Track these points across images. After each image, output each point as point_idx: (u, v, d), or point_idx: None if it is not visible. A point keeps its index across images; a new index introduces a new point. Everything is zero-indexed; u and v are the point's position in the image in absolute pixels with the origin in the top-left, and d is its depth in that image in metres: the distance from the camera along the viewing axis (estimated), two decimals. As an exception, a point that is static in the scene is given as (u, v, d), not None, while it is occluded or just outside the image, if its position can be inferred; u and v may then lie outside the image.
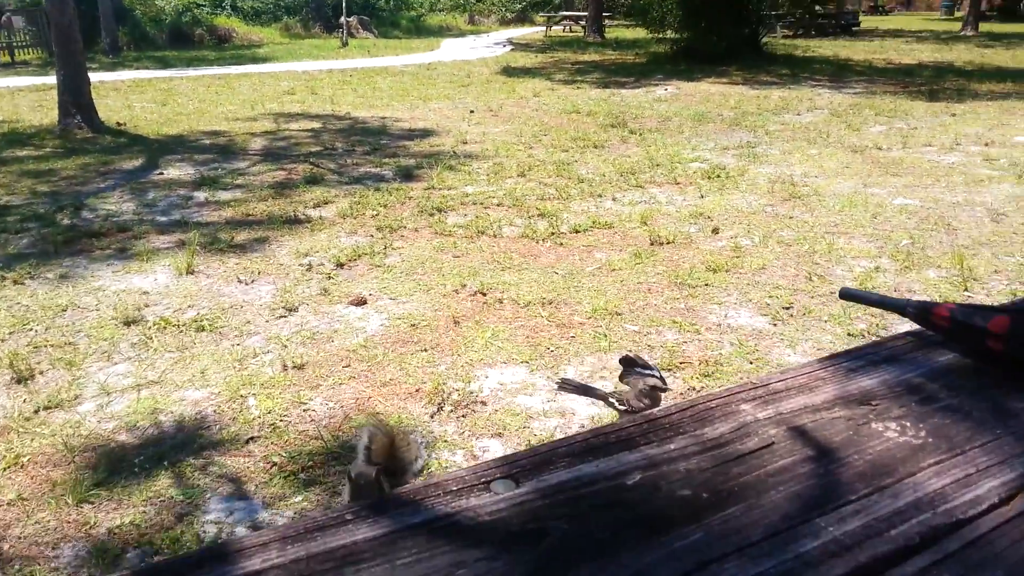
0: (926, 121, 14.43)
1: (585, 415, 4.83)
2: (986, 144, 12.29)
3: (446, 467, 4.36)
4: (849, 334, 5.81)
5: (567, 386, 2.39)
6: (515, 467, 1.49)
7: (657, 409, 1.72)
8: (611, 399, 2.31)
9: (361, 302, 6.67)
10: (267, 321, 6.39)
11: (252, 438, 4.70)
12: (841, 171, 10.81)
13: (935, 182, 10.11)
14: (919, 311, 1.86)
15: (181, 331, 6.18)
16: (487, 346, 5.79)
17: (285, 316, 6.46)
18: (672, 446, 1.48)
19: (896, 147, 12.25)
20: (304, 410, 5.02)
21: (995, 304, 2.02)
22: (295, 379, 5.41)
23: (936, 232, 8.07)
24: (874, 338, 5.73)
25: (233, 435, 4.75)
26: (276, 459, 4.47)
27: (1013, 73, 21.58)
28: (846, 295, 2.04)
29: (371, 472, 2.26)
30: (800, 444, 1.46)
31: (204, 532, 3.91)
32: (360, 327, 6.21)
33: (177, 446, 4.65)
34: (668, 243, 7.91)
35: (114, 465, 4.46)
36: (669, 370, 5.36)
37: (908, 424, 1.51)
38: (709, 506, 1.32)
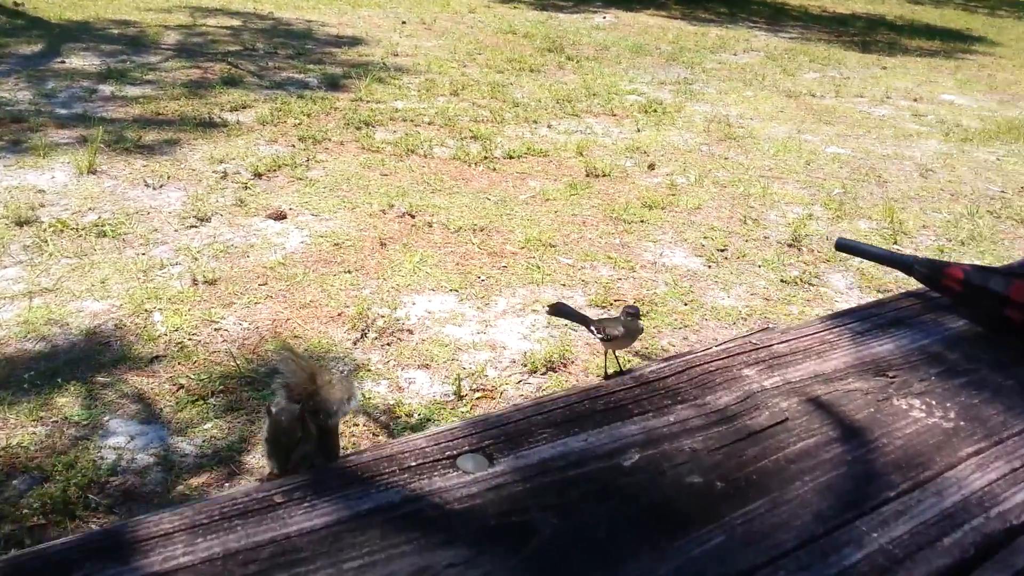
0: (858, 72, 14.49)
1: (517, 350, 4.64)
2: (915, 99, 12.42)
3: (369, 399, 4.12)
4: (782, 280, 5.76)
5: (558, 311, 2.17)
6: (485, 437, 1.23)
7: (648, 368, 1.51)
8: (591, 327, 2.11)
9: (280, 216, 6.26)
10: (176, 230, 5.93)
11: (157, 357, 4.34)
12: (776, 115, 10.74)
13: (866, 133, 10.15)
14: (929, 271, 1.68)
15: (80, 235, 5.68)
16: (415, 271, 5.51)
17: (196, 226, 6.01)
18: (672, 417, 1.26)
19: (829, 95, 12.26)
20: (216, 329, 4.67)
21: (1010, 266, 1.86)
22: (206, 295, 5.03)
23: (867, 183, 8.09)
24: (807, 285, 5.70)
25: (137, 353, 4.38)
26: (184, 381, 4.14)
27: (941, 32, 21.90)
28: (843, 247, 1.85)
29: (294, 410, 2.00)
30: (818, 422, 1.27)
31: (102, 458, 3.59)
32: (278, 243, 5.83)
33: (73, 361, 4.26)
34: (604, 176, 7.70)
35: (1, 379, 4.06)
36: (603, 307, 5.20)
37: (934, 402, 1.33)
38: (726, 498, 1.05)
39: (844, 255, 6.31)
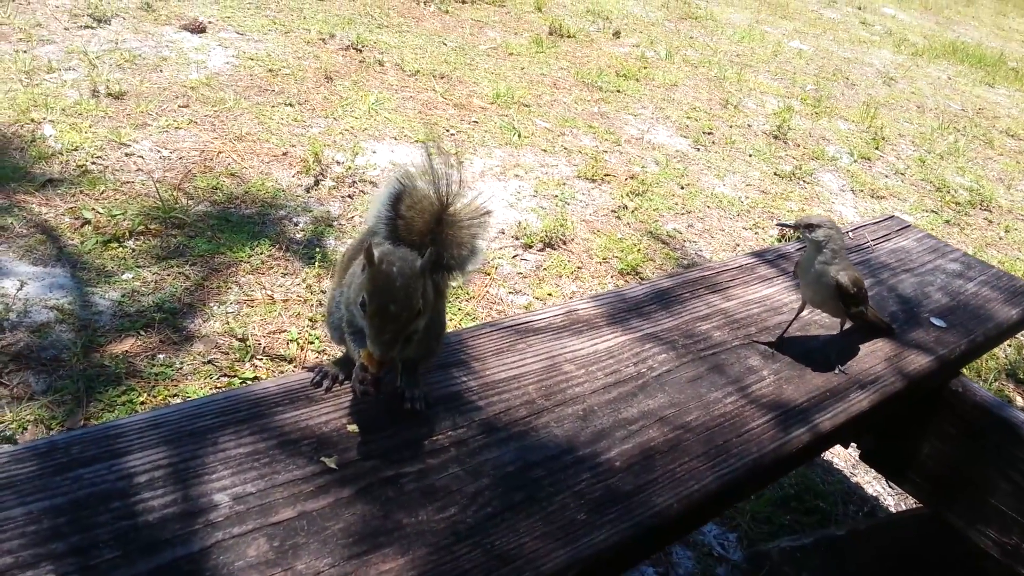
0: (800, -28, 13.93)
1: (503, 220, 3.88)
2: (859, 7, 12.02)
3: (324, 263, 3.28)
4: (776, 173, 5.20)
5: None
6: None
7: None
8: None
9: (199, 29, 5.10)
10: (67, 29, 4.70)
11: (52, 180, 3.31)
12: (732, 1, 10.06)
13: (823, 32, 9.65)
14: None
15: (-65, 16, 4.38)
16: (371, 114, 4.58)
17: (92, 28, 4.79)
18: None
19: (779, -10, 11.66)
20: (127, 154, 3.65)
21: None
22: (111, 110, 3.95)
23: (837, 83, 7.61)
24: (802, 181, 5.18)
25: (23, 171, 3.33)
26: (90, 215, 3.15)
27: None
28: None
29: (413, 261, 1.15)
30: None
31: (-21, 306, 2.63)
32: (199, 60, 4.72)
33: (-70, 174, 3.18)
34: (569, 37, 6.84)
35: None
36: (594, 181, 4.48)
37: None
38: None
39: (832, 152, 5.88)
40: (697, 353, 1.70)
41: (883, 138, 6.34)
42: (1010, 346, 3.97)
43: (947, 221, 5.20)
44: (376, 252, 1.21)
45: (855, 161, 5.78)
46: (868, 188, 5.37)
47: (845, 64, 8.42)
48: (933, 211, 5.30)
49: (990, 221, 5.39)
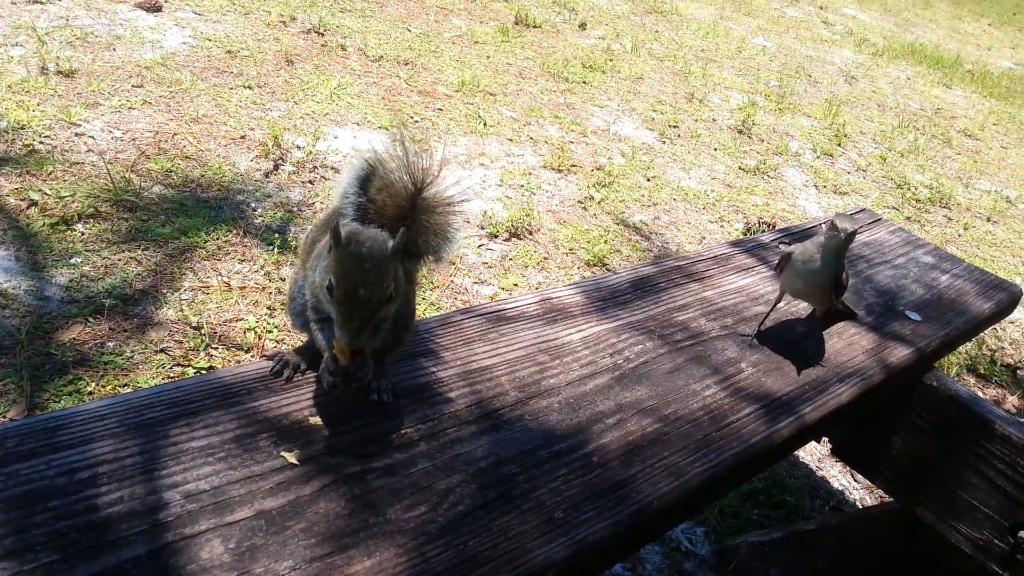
0: (763, -30, 14.01)
1: (469, 209, 3.80)
2: (821, 7, 12.12)
3: (284, 249, 3.17)
4: (741, 168, 5.19)
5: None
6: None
7: None
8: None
9: (154, 7, 4.92)
10: (14, 3, 4.51)
11: (-3, 159, 3.16)
12: (696, -3, 10.08)
13: (786, 30, 9.71)
14: None
15: None
16: (334, 99, 4.46)
17: (41, 3, 4.60)
18: None
19: (742, -13, 11.71)
20: (77, 134, 3.49)
21: None
22: (61, 89, 3.79)
23: (799, 80, 7.64)
24: (766, 176, 5.17)
25: (-38, 150, 3.17)
26: (38, 196, 3.00)
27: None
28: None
29: (384, 242, 1.07)
30: None
31: (-87, 290, 2.49)
32: (154, 39, 4.56)
33: None
34: (535, 27, 6.76)
35: None
36: (560, 171, 4.42)
37: None
38: None
39: (795, 147, 5.89)
40: (675, 344, 1.65)
41: (845, 135, 6.37)
42: (970, 340, 3.99)
43: (908, 218, 5.23)
44: (343, 231, 1.13)
45: (818, 157, 5.80)
46: (831, 184, 5.39)
47: (807, 62, 8.47)
48: (894, 208, 5.34)
49: (949, 218, 5.44)
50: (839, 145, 6.16)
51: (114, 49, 4.32)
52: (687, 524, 2.58)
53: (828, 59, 8.89)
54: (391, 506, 1.12)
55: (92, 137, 3.51)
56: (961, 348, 3.90)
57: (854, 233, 1.64)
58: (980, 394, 3.64)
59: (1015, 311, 2.59)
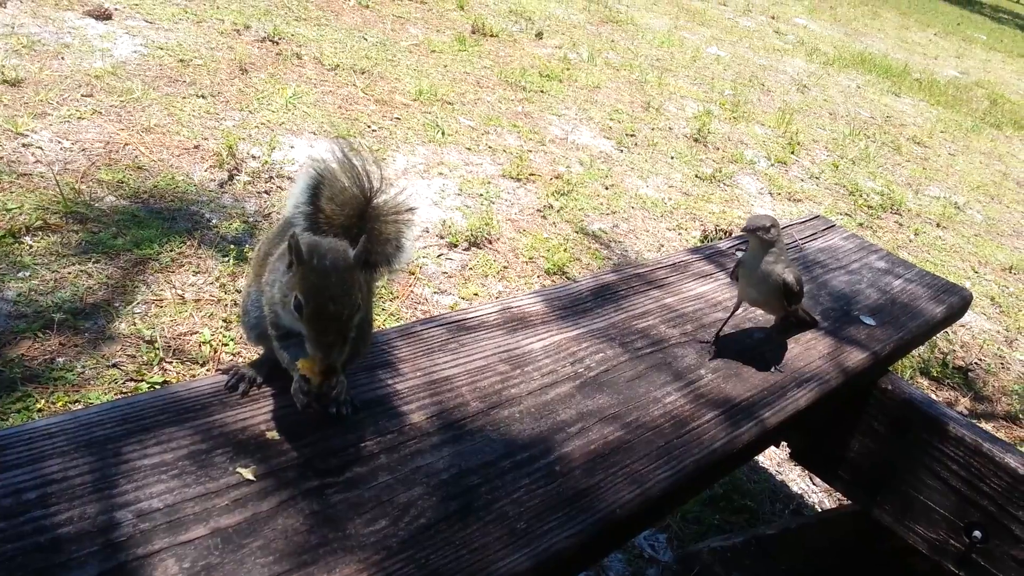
0: (716, -19, 14.23)
1: (427, 218, 3.78)
2: (772, 17, 12.34)
3: (239, 261, 3.12)
4: (698, 176, 5.24)
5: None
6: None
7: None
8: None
9: (104, 15, 4.83)
10: (-44, 10, 4.40)
11: (-62, 171, 3.07)
12: (651, 7, 10.18)
13: (739, 40, 9.86)
14: None
15: None
16: (289, 108, 4.42)
17: (-15, 9, 4.49)
18: None
19: (696, -2, 11.88)
20: (24, 145, 3.41)
21: None
22: (7, 98, 3.69)
23: (753, 89, 7.76)
24: (722, 184, 5.23)
25: (-97, 161, 3.07)
26: (-18, 209, 2.93)
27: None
28: None
29: (344, 251, 1.05)
30: None
31: None
32: (104, 48, 4.47)
33: None
34: (492, 36, 6.77)
35: None
36: (519, 180, 4.43)
37: None
38: None
39: (750, 155, 5.97)
40: (636, 351, 1.65)
41: (798, 143, 6.48)
42: (923, 344, 4.07)
43: (860, 224, 5.33)
44: (303, 246, 1.11)
45: (772, 165, 5.89)
46: (785, 191, 5.47)
47: (761, 71, 8.60)
48: (847, 214, 5.44)
49: (900, 224, 5.56)
50: (792, 153, 6.26)
51: (62, 58, 4.23)
52: (650, 531, 2.59)
53: (781, 68, 9.04)
54: (351, 521, 1.10)
55: (40, 148, 3.42)
56: (914, 351, 3.97)
57: (758, 230, 1.66)
58: (933, 396, 3.71)
59: (965, 314, 2.65)
